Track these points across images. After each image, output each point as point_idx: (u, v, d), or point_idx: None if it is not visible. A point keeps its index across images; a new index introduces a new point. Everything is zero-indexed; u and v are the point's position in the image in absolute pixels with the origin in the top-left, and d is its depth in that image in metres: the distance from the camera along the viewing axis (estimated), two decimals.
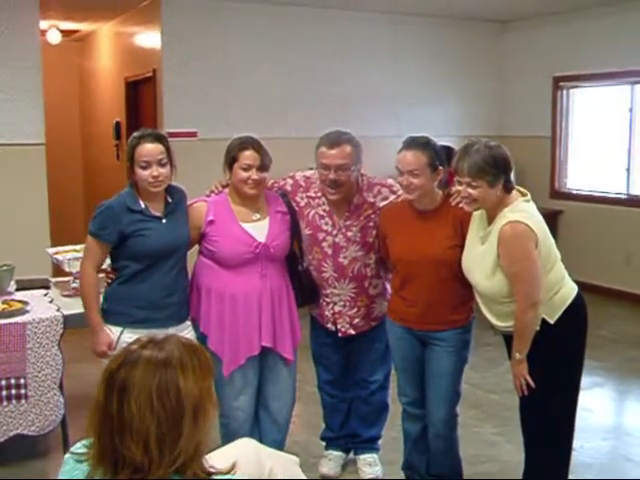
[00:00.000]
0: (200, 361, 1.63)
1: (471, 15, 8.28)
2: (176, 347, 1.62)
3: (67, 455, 1.73)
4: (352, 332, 3.73)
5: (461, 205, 3.15)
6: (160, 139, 3.31)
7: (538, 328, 3.04)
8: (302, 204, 3.67)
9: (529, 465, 3.27)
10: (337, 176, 3.46)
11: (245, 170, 3.41)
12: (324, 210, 3.63)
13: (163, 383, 1.54)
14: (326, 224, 3.63)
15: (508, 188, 3.04)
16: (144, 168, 3.24)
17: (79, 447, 1.71)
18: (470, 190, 3.01)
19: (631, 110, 7.65)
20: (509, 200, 3.04)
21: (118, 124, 8.46)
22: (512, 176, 3.06)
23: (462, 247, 3.23)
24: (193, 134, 6.96)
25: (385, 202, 3.59)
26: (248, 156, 3.41)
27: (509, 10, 8.07)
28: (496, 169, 2.98)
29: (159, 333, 3.29)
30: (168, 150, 3.31)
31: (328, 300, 3.71)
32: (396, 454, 3.92)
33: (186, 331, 3.42)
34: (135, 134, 3.35)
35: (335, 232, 3.62)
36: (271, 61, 7.39)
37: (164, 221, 3.34)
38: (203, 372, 1.62)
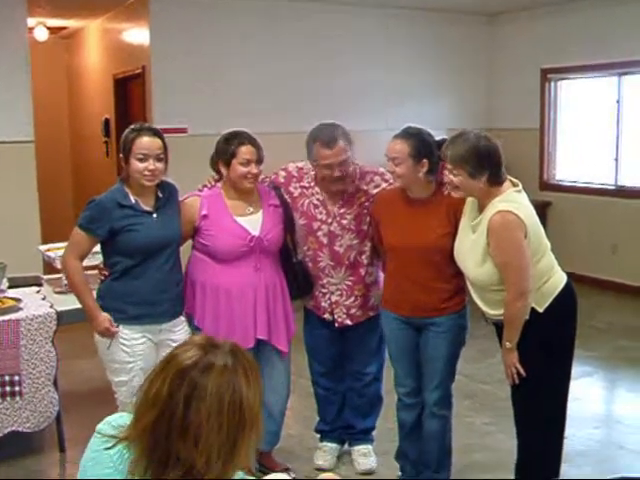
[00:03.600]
0: (256, 371, 1.61)
1: (459, 8, 8.31)
2: (237, 354, 1.59)
3: (96, 436, 1.64)
4: (349, 322, 3.74)
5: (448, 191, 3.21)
6: (159, 134, 3.33)
7: (527, 317, 3.07)
8: (296, 194, 3.69)
9: (522, 454, 3.30)
10: (341, 172, 3.51)
11: (244, 165, 3.42)
12: (318, 199, 3.65)
13: (233, 394, 1.51)
14: (320, 213, 3.65)
15: (495, 182, 3.05)
16: (141, 160, 3.24)
17: (106, 428, 1.64)
18: (452, 177, 3.08)
19: (618, 101, 7.69)
20: (500, 191, 3.07)
21: (107, 121, 8.44)
22: (502, 170, 3.07)
23: (455, 235, 3.27)
24: (183, 130, 6.95)
25: (377, 189, 3.62)
26: (246, 151, 3.42)
27: (497, 3, 8.10)
28: (477, 162, 3.01)
29: (152, 329, 3.29)
30: (165, 146, 3.32)
31: (325, 290, 3.72)
32: (390, 445, 3.95)
33: (180, 326, 3.44)
34: (133, 127, 3.35)
35: (330, 220, 3.64)
36: (260, 56, 7.38)
37: (155, 216, 3.34)
38: (259, 382, 1.60)
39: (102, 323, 3.28)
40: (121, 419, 1.64)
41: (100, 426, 1.66)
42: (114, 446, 1.57)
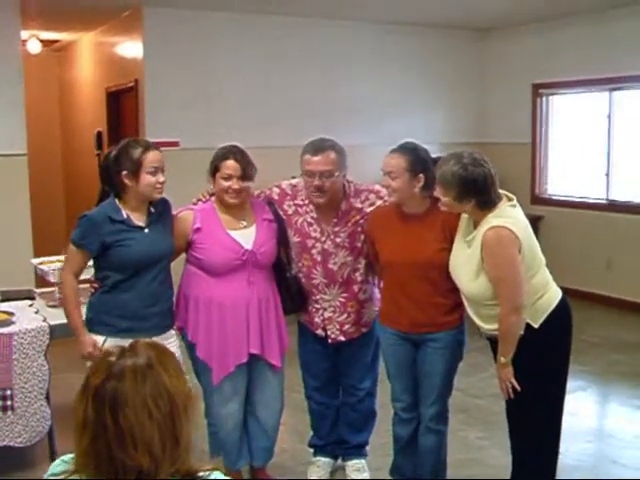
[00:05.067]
0: (172, 359, 1.65)
1: (451, 23, 8.35)
2: (149, 350, 1.62)
3: (47, 474, 1.67)
4: (342, 338, 3.74)
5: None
6: (158, 148, 3.36)
7: (522, 332, 3.07)
8: (290, 212, 3.69)
9: (516, 468, 3.30)
10: (321, 182, 3.49)
11: (226, 179, 3.44)
12: (312, 217, 3.65)
13: (154, 388, 1.54)
14: (314, 231, 3.64)
15: (485, 207, 3.06)
16: (152, 174, 3.27)
17: (58, 464, 1.67)
18: (441, 196, 3.11)
19: (609, 116, 7.73)
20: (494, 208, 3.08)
21: (99, 134, 8.43)
22: (492, 196, 3.07)
23: (451, 250, 3.27)
24: (175, 143, 6.93)
25: (372, 207, 3.62)
26: (229, 166, 3.44)
27: (489, 18, 8.14)
28: (462, 189, 3.03)
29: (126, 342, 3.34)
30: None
31: (318, 306, 3.72)
32: (384, 460, 3.94)
33: (170, 340, 3.42)
34: (137, 143, 3.36)
35: (324, 238, 3.64)
36: (253, 70, 7.40)
37: (146, 231, 3.34)
38: (179, 369, 1.64)
39: (86, 346, 3.29)
40: (71, 456, 1.65)
41: (50, 470, 1.68)
42: (67, 479, 1.60)
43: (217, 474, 1.61)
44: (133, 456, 1.49)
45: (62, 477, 1.60)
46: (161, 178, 3.30)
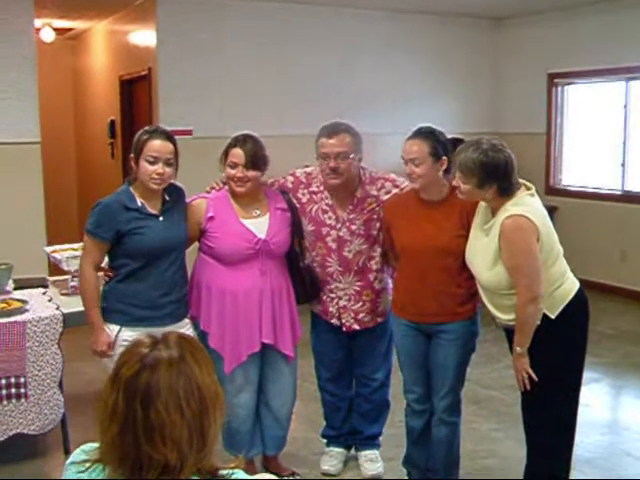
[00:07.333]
0: (204, 354, 1.61)
1: (466, 12, 8.29)
2: (183, 343, 1.58)
3: (68, 462, 1.65)
4: (356, 327, 3.71)
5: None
6: (171, 139, 3.31)
7: (539, 323, 3.04)
8: (304, 200, 3.67)
9: (531, 460, 3.27)
10: (337, 164, 3.48)
11: (231, 167, 3.44)
12: (327, 204, 3.63)
13: (187, 384, 1.50)
14: (330, 218, 3.63)
15: (504, 193, 3.03)
16: (151, 163, 3.22)
17: (79, 454, 1.64)
18: (460, 184, 3.08)
19: (625, 106, 7.66)
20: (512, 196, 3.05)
21: (113, 122, 8.43)
22: (513, 182, 3.05)
23: (468, 237, 3.24)
24: (188, 132, 6.92)
25: (388, 196, 3.60)
26: (234, 154, 3.44)
27: (504, 7, 8.08)
28: (484, 175, 3.00)
29: (156, 331, 3.34)
30: (176, 151, 3.30)
31: (333, 295, 3.70)
32: (396, 450, 3.93)
33: (184, 329, 3.41)
34: (147, 128, 3.35)
35: (339, 226, 3.62)
36: (266, 59, 7.37)
37: (161, 219, 3.32)
38: (210, 364, 1.60)
39: (101, 344, 3.27)
40: (92, 445, 1.63)
41: (71, 458, 1.66)
42: (88, 469, 1.57)
43: (239, 473, 1.59)
44: (161, 451, 1.46)
45: (85, 466, 1.58)
46: (160, 169, 3.22)
